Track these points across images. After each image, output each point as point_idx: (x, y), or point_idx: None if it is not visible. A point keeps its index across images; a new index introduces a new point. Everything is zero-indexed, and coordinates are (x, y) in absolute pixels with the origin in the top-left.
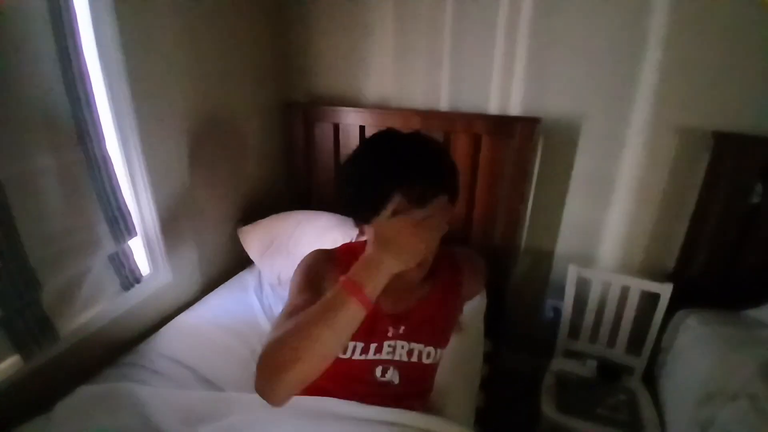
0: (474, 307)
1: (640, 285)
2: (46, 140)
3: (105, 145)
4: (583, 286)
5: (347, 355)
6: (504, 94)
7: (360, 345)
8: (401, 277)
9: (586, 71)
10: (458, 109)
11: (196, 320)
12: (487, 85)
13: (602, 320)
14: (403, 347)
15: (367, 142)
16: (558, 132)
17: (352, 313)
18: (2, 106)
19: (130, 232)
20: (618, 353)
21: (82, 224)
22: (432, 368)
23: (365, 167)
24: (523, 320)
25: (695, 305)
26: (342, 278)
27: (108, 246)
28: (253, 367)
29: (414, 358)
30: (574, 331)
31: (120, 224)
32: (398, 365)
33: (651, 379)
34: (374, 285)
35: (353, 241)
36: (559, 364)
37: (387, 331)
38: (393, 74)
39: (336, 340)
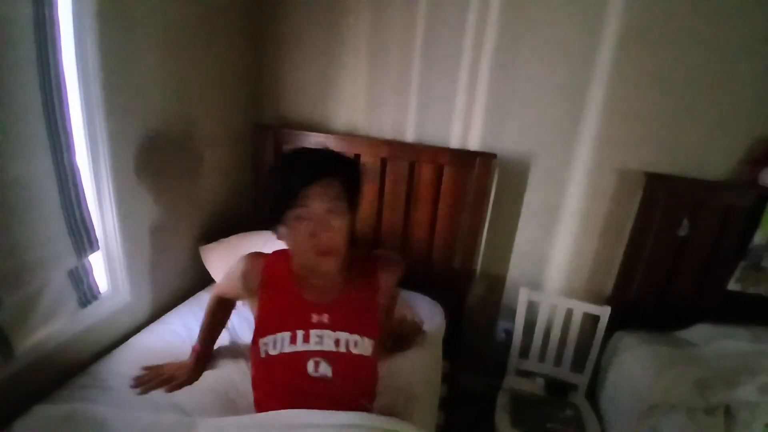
0: (435, 326)
1: (582, 308)
2: (18, 150)
3: (75, 156)
4: (532, 309)
5: (277, 350)
6: (464, 129)
7: (287, 335)
8: (318, 269)
9: (537, 114)
10: (422, 140)
11: (153, 340)
12: (449, 121)
13: (549, 340)
14: (329, 336)
15: (283, 156)
16: (511, 166)
17: None
18: None
19: (93, 245)
20: (564, 371)
21: (45, 236)
22: (364, 361)
23: (290, 162)
24: (478, 342)
25: (632, 327)
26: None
27: (69, 260)
28: (215, 389)
29: (342, 348)
30: (524, 351)
31: (83, 237)
32: (328, 356)
33: (593, 394)
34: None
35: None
36: (511, 382)
37: (311, 318)
38: (363, 104)
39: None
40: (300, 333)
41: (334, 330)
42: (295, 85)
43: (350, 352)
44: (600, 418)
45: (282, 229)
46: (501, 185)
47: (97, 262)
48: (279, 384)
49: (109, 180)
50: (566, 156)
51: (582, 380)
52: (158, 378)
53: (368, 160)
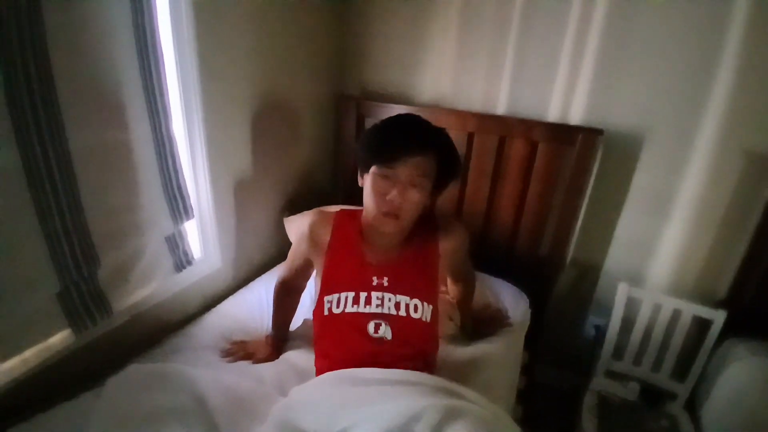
0: (519, 315)
1: (692, 310)
2: (116, 115)
3: (171, 125)
4: (630, 306)
5: (340, 309)
6: (566, 101)
7: (351, 295)
8: (379, 228)
9: (655, 83)
10: (516, 113)
11: (240, 306)
12: (549, 92)
13: (649, 343)
14: (390, 299)
15: (396, 116)
16: (619, 144)
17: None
18: (77, 78)
19: (188, 213)
20: (662, 378)
21: (144, 202)
22: (424, 326)
23: (398, 124)
24: (562, 336)
25: (745, 334)
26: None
27: (166, 226)
28: (296, 366)
29: (402, 312)
30: (618, 352)
31: (179, 205)
32: (389, 319)
33: (693, 406)
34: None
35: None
36: (600, 383)
37: (372, 281)
38: (451, 74)
39: None
40: (363, 294)
41: (394, 293)
42: (380, 55)
43: (410, 316)
44: None
45: (364, 178)
46: (605, 164)
47: (191, 228)
48: (340, 341)
49: (203, 150)
50: (687, 133)
51: (683, 390)
52: (242, 351)
53: (454, 134)
